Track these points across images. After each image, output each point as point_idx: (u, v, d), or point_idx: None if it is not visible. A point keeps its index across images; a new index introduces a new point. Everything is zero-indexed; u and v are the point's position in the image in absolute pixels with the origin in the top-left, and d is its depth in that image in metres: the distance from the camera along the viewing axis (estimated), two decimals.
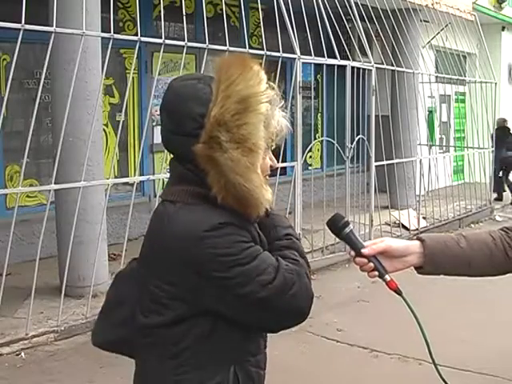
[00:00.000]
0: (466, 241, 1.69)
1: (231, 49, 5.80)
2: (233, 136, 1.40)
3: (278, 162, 6.58)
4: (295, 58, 6.90)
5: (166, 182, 1.62)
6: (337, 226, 1.65)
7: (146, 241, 1.57)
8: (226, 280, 1.42)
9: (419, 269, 1.68)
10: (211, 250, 1.41)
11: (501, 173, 11.85)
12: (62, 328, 4.98)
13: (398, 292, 1.63)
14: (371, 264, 1.62)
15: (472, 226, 10.04)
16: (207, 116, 1.41)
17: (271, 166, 1.56)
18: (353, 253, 1.63)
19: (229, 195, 1.42)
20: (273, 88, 1.50)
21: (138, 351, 1.59)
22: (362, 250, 1.61)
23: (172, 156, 1.55)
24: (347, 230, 1.64)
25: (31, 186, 6.98)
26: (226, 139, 1.40)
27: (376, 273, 1.62)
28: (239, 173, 1.41)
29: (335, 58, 7.46)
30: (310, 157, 10.42)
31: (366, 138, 8.06)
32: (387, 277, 1.62)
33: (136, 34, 5.61)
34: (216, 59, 1.50)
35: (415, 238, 1.72)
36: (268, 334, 1.63)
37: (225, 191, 1.42)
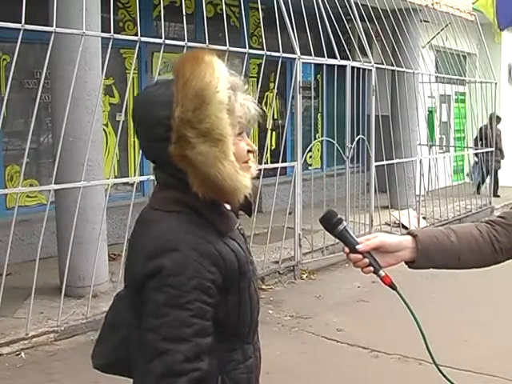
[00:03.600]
0: (455, 234, 1.72)
1: (231, 49, 5.81)
2: (198, 131, 1.43)
3: (278, 162, 6.56)
4: (295, 58, 6.90)
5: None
6: (330, 223, 1.66)
7: (128, 245, 1.61)
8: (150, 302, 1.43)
9: (411, 263, 1.70)
10: (158, 267, 1.43)
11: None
12: (62, 328, 4.97)
13: (393, 287, 1.65)
14: (366, 260, 1.63)
15: None
16: (172, 118, 1.44)
17: (250, 151, 1.56)
18: (347, 249, 1.64)
19: (207, 188, 1.45)
20: (234, 75, 1.52)
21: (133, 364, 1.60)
22: (357, 247, 1.63)
23: (153, 165, 1.57)
24: (341, 227, 1.65)
25: (31, 186, 6.98)
26: (193, 135, 1.43)
27: (371, 268, 1.64)
28: (210, 164, 1.43)
29: (335, 58, 7.46)
30: (310, 157, 10.42)
31: (366, 138, 8.07)
32: (382, 272, 1.64)
33: (136, 34, 5.61)
34: (173, 60, 1.53)
35: (407, 232, 1.73)
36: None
37: (202, 186, 1.45)
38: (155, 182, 1.63)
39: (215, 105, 1.44)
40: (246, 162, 1.55)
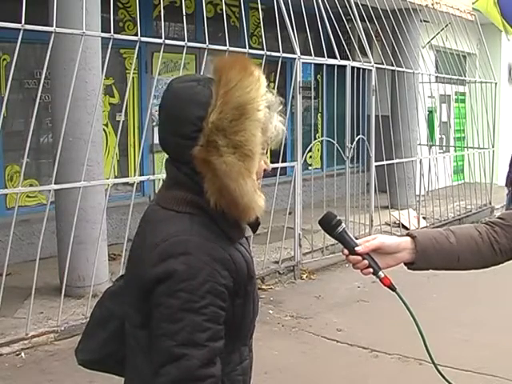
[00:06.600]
0: (454, 236, 1.72)
1: (231, 49, 5.81)
2: (230, 141, 1.41)
3: (278, 162, 6.60)
4: (295, 58, 6.90)
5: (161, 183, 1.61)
6: (329, 224, 1.66)
7: (133, 242, 1.58)
8: (162, 307, 1.41)
9: (410, 264, 1.70)
10: (171, 270, 1.41)
11: None
12: (62, 328, 4.98)
13: (392, 288, 1.65)
14: (365, 261, 1.63)
15: None
16: (206, 120, 1.42)
17: (265, 170, 1.56)
18: (346, 251, 1.65)
19: (221, 199, 1.43)
20: (272, 93, 1.51)
21: (126, 359, 1.59)
22: (356, 248, 1.63)
23: (168, 157, 1.54)
24: (340, 228, 1.65)
25: (31, 186, 6.98)
26: (224, 144, 1.41)
27: (370, 270, 1.64)
28: (233, 177, 1.41)
29: (335, 58, 7.46)
30: (310, 157, 10.42)
31: (365, 138, 8.07)
32: (381, 273, 1.64)
33: (136, 34, 5.61)
34: (215, 59, 1.50)
35: (406, 234, 1.73)
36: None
37: (218, 194, 1.43)
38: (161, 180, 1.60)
39: (254, 121, 1.43)
40: (258, 179, 1.53)
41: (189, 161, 1.44)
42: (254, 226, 1.57)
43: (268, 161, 1.58)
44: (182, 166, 1.48)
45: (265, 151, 1.53)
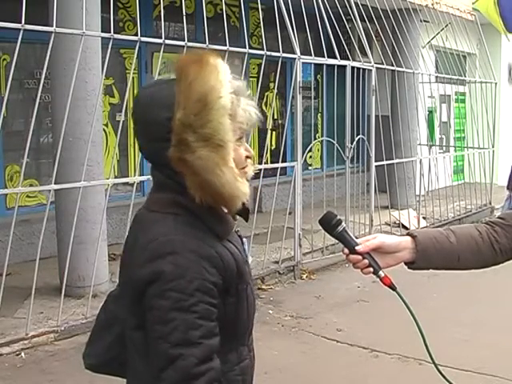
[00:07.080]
0: (454, 235, 1.72)
1: (231, 49, 5.81)
2: (199, 136, 1.42)
3: (278, 162, 6.57)
4: (295, 58, 6.90)
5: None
6: (329, 224, 1.66)
7: (125, 245, 1.59)
8: (153, 309, 1.42)
9: (410, 264, 1.70)
10: (159, 270, 1.42)
11: None
12: (62, 328, 4.98)
13: (393, 287, 1.65)
14: (365, 261, 1.63)
15: None
16: (173, 119, 1.43)
17: (248, 157, 1.55)
18: (346, 250, 1.65)
19: (205, 193, 1.44)
20: (237, 78, 1.51)
21: (127, 361, 1.60)
22: (357, 248, 1.63)
23: (151, 164, 1.56)
24: (340, 228, 1.65)
25: (31, 186, 6.99)
26: (194, 139, 1.41)
27: (370, 269, 1.64)
28: (210, 170, 1.42)
29: (335, 58, 7.46)
30: (310, 157, 10.42)
31: (366, 138, 8.07)
32: (381, 273, 1.64)
33: (136, 34, 5.61)
34: (174, 60, 1.51)
35: (406, 233, 1.73)
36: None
37: (200, 190, 1.44)
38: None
39: (218, 110, 1.42)
40: (244, 167, 1.53)
41: (166, 162, 1.45)
42: (244, 213, 1.57)
43: (249, 147, 1.57)
44: (163, 169, 1.49)
45: (242, 138, 1.53)
